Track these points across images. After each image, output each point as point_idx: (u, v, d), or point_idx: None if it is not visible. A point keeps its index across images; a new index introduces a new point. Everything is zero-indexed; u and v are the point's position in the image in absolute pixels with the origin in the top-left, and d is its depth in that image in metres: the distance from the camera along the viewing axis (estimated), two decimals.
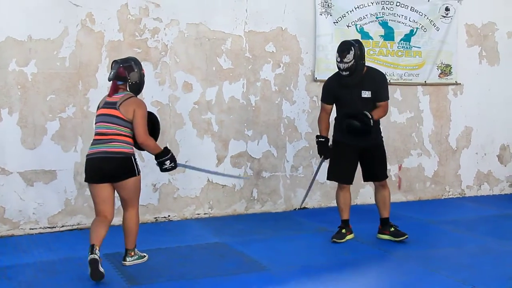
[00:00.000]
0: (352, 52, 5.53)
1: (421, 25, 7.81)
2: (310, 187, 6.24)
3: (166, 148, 5.09)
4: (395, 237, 5.89)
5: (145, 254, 5.23)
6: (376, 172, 5.88)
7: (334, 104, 5.88)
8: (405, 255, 5.49)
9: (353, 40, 5.83)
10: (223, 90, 6.96)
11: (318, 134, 5.92)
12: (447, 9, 7.92)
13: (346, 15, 7.45)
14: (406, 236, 5.86)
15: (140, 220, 5.19)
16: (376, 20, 7.60)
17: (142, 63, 5.18)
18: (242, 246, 5.76)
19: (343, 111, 5.76)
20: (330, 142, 5.93)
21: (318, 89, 7.35)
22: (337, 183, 5.97)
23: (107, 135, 4.85)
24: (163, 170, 5.09)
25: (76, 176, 6.33)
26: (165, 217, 6.77)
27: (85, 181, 4.98)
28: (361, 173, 5.97)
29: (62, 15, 6.25)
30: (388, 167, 6.82)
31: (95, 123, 4.99)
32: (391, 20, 7.67)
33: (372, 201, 6.51)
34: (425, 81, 7.93)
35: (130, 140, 4.88)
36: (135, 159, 4.91)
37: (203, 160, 6.79)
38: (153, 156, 5.08)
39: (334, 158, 5.83)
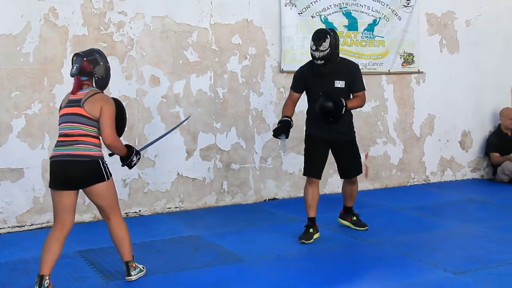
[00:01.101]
0: (328, 41, 5.38)
1: (383, 15, 7.92)
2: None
3: (128, 145, 4.68)
4: (355, 226, 5.97)
5: (143, 266, 4.76)
6: (351, 170, 5.80)
7: (304, 94, 5.73)
8: (377, 242, 5.59)
9: (328, 28, 5.77)
10: (191, 83, 6.94)
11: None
12: None
13: (310, 5, 7.50)
14: (367, 227, 5.95)
15: None
16: (339, 11, 7.68)
17: (108, 58, 4.86)
18: (216, 238, 5.78)
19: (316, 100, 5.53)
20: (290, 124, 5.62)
21: (285, 80, 7.41)
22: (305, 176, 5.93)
23: (71, 136, 4.37)
24: (131, 167, 4.76)
25: (44, 174, 6.21)
26: (136, 212, 6.72)
27: (49, 186, 4.49)
28: (327, 165, 5.92)
29: (24, 10, 6.13)
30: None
31: (59, 124, 4.50)
32: (355, 10, 7.76)
33: (340, 190, 6.57)
34: (388, 70, 8.05)
35: (97, 141, 4.42)
36: (103, 163, 4.43)
37: (172, 153, 6.80)
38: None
39: (305, 152, 5.75)
